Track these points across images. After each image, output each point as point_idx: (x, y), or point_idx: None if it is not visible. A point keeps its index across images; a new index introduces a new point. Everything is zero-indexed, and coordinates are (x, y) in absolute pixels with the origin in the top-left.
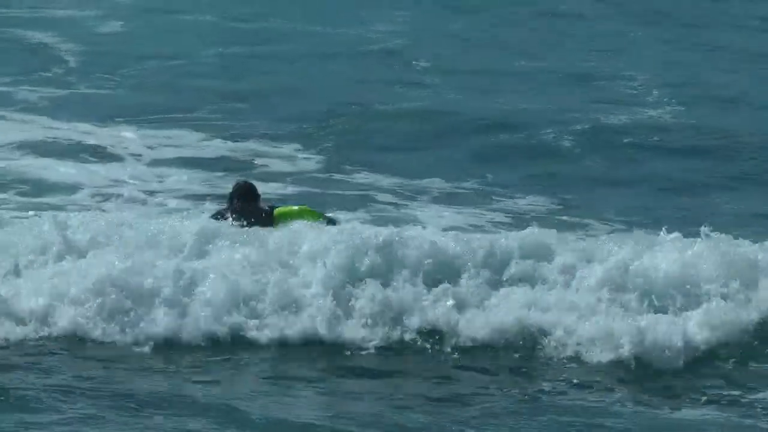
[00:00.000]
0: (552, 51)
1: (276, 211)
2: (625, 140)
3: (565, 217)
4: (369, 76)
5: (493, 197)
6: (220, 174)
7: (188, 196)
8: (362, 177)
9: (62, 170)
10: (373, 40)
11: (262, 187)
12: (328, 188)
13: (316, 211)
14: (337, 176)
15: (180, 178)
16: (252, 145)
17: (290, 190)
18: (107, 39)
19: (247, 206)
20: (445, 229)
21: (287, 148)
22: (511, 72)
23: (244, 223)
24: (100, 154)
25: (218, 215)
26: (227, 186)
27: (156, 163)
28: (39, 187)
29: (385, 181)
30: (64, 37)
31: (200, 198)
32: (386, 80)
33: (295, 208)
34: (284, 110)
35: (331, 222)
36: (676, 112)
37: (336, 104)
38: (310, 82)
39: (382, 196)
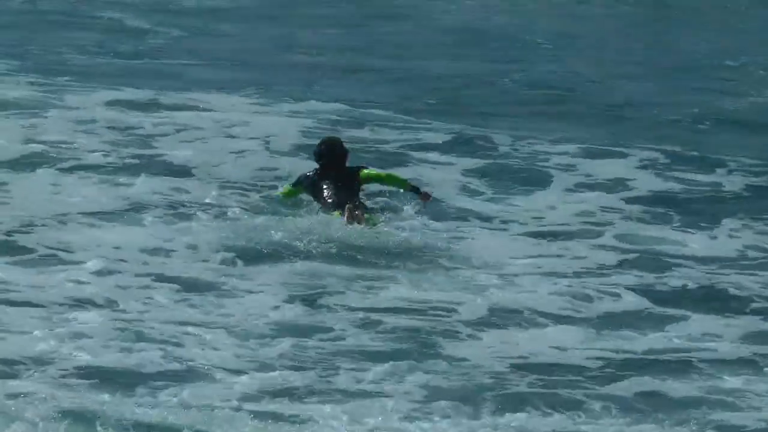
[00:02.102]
0: None
1: (363, 172)
2: None
3: None
4: None
5: None
6: None
7: None
8: None
9: None
10: None
11: None
12: None
13: (401, 177)
14: None
15: None
16: None
17: None
18: None
19: (340, 167)
20: None
21: None
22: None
23: (327, 182)
24: None
25: (305, 176)
26: None
27: None
28: None
29: None
30: None
31: None
32: None
33: (383, 172)
34: None
35: (415, 189)
36: None
37: None
38: None
39: None
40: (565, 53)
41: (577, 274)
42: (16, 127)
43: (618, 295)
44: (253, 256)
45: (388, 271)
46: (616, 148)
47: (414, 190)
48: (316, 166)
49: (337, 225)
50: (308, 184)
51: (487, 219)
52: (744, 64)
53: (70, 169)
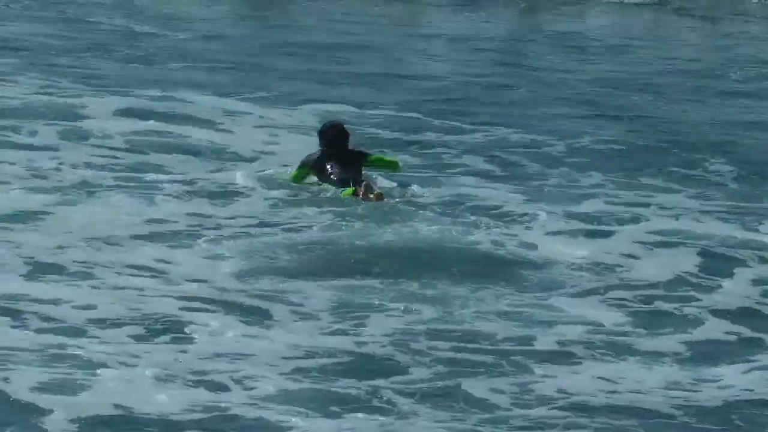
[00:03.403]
0: None
1: (370, 157)
2: None
3: None
4: None
5: None
6: None
7: None
8: None
9: None
10: None
11: None
12: None
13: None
14: None
15: None
16: None
17: None
18: None
19: (343, 149)
20: None
21: None
22: None
23: (333, 162)
24: None
25: (310, 158)
26: None
27: None
28: None
29: None
30: None
31: None
32: None
33: (392, 158)
34: None
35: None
36: None
37: None
38: None
39: None
40: None
41: (648, 299)
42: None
43: (701, 321)
44: (296, 272)
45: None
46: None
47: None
48: (318, 148)
49: (354, 202)
50: (314, 165)
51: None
52: None
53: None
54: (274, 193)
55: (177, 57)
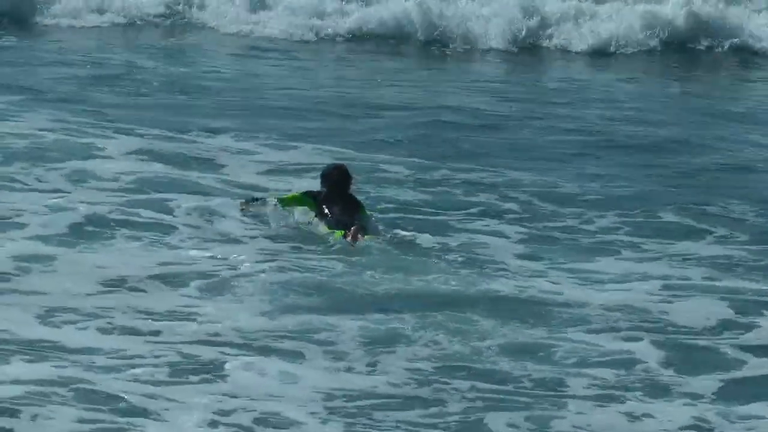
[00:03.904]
0: None
1: (363, 209)
2: None
3: None
4: None
5: None
6: None
7: None
8: None
9: None
10: None
11: None
12: None
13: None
14: None
15: None
16: None
17: None
18: None
19: (344, 192)
20: None
21: None
22: None
23: (333, 203)
24: None
25: (312, 192)
26: None
27: None
28: None
29: None
30: None
31: None
32: None
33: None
34: None
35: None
36: None
37: None
38: None
39: None
40: None
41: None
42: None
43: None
44: (317, 310)
45: None
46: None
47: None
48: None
49: (341, 243)
50: (314, 200)
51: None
52: None
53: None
54: (285, 234)
55: (186, 95)
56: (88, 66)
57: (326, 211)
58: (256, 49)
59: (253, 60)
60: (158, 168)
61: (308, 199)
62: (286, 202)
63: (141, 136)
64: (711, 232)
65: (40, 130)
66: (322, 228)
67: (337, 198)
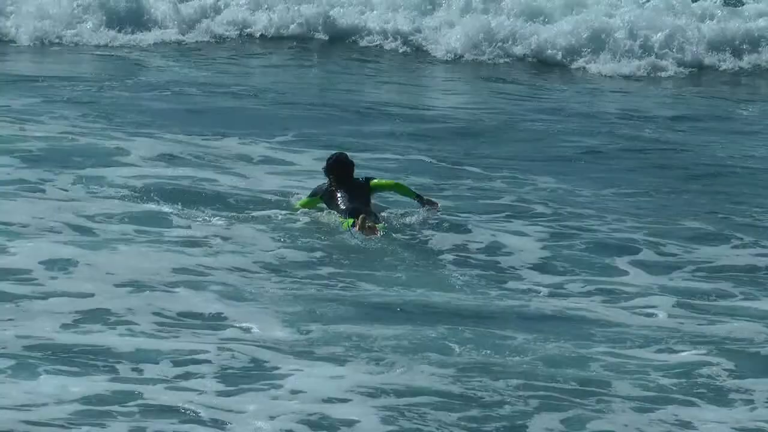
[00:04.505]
0: None
1: (372, 182)
2: None
3: None
4: None
5: None
6: None
7: None
8: None
9: None
10: None
11: None
12: None
13: (407, 187)
14: None
15: None
16: None
17: None
18: None
19: (349, 179)
20: None
21: None
22: None
23: (341, 192)
24: None
25: (320, 188)
26: None
27: None
28: None
29: None
30: None
31: None
32: None
33: (391, 181)
34: None
35: (420, 199)
36: None
37: None
38: None
39: None
40: None
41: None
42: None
43: None
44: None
45: None
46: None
47: (419, 199)
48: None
49: (354, 236)
50: (324, 195)
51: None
52: None
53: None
54: (305, 240)
55: (205, 99)
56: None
57: (337, 199)
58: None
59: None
60: (180, 172)
61: (315, 198)
62: (303, 207)
63: (161, 139)
64: (737, 239)
65: (60, 133)
66: (334, 218)
67: (343, 186)
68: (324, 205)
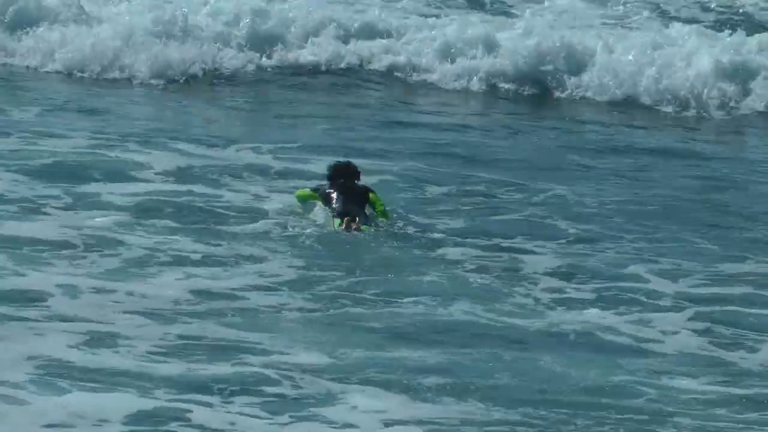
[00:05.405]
0: None
1: (370, 195)
2: None
3: None
4: None
5: None
6: None
7: None
8: None
9: None
10: None
11: None
12: None
13: (388, 214)
14: None
15: None
16: None
17: None
18: None
19: (351, 184)
20: None
21: None
22: None
23: (340, 194)
24: None
25: (323, 186)
26: None
27: None
28: None
29: None
30: None
31: None
32: None
33: (381, 207)
34: None
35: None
36: None
37: None
38: None
39: None
40: None
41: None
42: None
43: None
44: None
45: None
46: None
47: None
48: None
49: (334, 232)
50: (323, 194)
51: None
52: None
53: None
54: (335, 265)
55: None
56: None
57: (334, 201)
58: None
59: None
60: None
61: (315, 194)
62: (301, 198)
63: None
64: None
65: (75, 148)
66: (327, 218)
67: (344, 191)
68: (321, 203)
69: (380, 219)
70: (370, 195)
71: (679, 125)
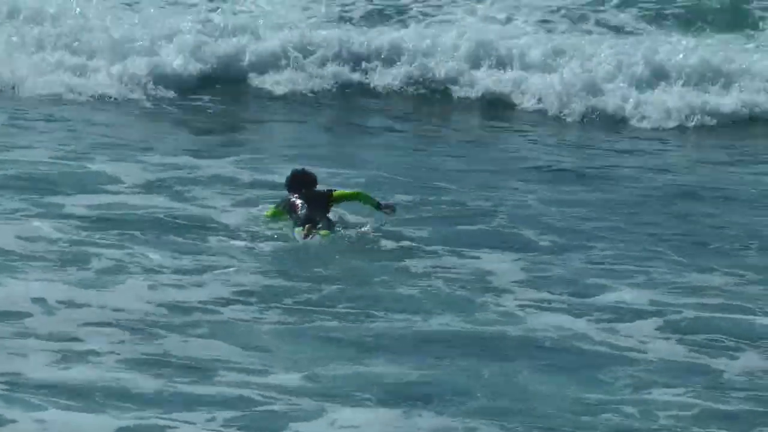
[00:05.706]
0: None
1: (334, 193)
2: None
3: None
4: None
5: None
6: None
7: None
8: None
9: None
10: None
11: None
12: None
13: (369, 195)
14: None
15: None
16: None
17: None
18: None
19: (310, 191)
20: None
21: None
22: None
23: (301, 203)
24: None
25: (284, 199)
26: None
27: None
28: None
29: None
30: None
31: None
32: None
33: (352, 191)
34: None
35: (379, 206)
36: None
37: None
38: None
39: None
40: None
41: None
42: None
43: None
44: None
45: None
46: None
47: (379, 207)
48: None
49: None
50: (285, 207)
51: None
52: None
53: None
54: (322, 281)
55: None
56: None
57: (297, 211)
58: None
59: None
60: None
61: (278, 209)
62: (271, 217)
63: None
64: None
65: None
66: (290, 228)
67: (303, 199)
68: (287, 215)
69: (377, 212)
70: (334, 194)
71: (647, 135)
